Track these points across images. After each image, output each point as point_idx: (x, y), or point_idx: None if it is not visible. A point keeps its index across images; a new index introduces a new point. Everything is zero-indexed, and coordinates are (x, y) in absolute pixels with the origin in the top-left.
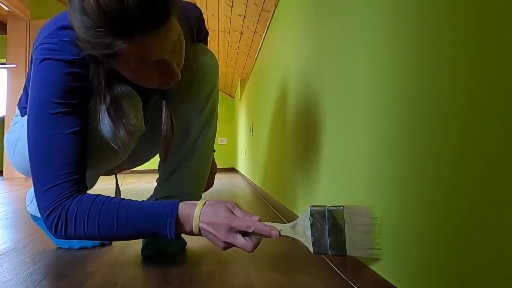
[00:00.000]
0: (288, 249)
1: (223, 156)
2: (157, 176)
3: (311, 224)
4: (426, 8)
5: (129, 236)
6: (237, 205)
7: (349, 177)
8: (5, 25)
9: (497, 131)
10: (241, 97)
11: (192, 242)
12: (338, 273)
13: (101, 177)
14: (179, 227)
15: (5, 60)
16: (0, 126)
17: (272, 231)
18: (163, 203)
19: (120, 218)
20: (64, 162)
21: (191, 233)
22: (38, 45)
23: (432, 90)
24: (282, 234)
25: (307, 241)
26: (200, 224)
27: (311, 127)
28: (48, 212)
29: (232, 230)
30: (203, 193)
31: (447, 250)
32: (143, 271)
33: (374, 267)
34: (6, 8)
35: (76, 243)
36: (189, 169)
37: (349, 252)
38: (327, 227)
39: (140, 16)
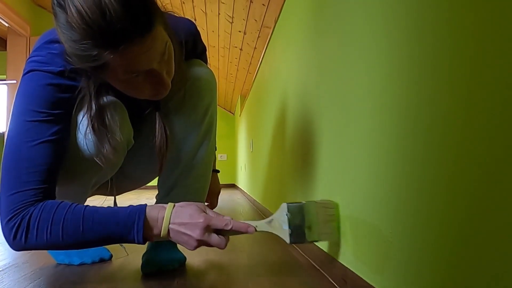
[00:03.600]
0: (288, 263)
1: (223, 172)
2: (156, 192)
3: (288, 219)
4: (425, 24)
5: (95, 242)
6: (206, 206)
7: (349, 192)
8: (5, 41)
9: (496, 148)
10: (241, 113)
11: (192, 258)
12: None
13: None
14: (147, 230)
15: (5, 76)
16: (0, 142)
17: (248, 228)
18: (130, 207)
19: (86, 222)
20: (32, 170)
21: (158, 236)
22: (27, 59)
23: (432, 105)
24: (258, 230)
25: (284, 234)
26: (171, 225)
27: (310, 143)
28: (8, 218)
29: (209, 228)
30: None
31: (446, 259)
32: (143, 286)
33: (371, 277)
34: (6, 24)
35: (76, 259)
36: (188, 186)
37: (319, 238)
38: (304, 219)
39: (123, 26)
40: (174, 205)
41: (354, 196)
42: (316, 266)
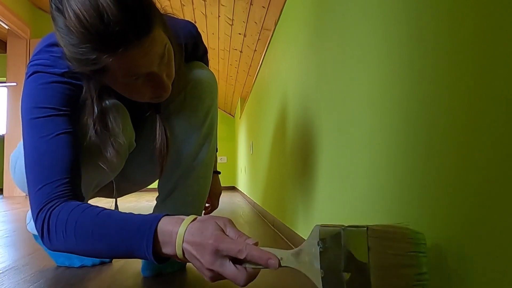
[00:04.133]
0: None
1: (223, 174)
2: (157, 194)
3: (320, 252)
4: (425, 25)
5: (106, 252)
6: (231, 222)
7: (349, 195)
8: (5, 43)
9: (498, 150)
10: (241, 115)
11: None
12: None
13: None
14: (158, 246)
15: (5, 78)
16: (0, 145)
17: (269, 260)
18: (145, 216)
19: (98, 227)
20: (54, 161)
21: (174, 256)
22: (29, 63)
23: (432, 108)
24: (282, 265)
25: (315, 275)
26: (184, 244)
27: (310, 145)
28: (36, 216)
29: (219, 253)
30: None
31: (448, 261)
32: None
33: None
34: (6, 27)
35: (76, 261)
36: (188, 188)
37: None
38: (343, 256)
39: (121, 29)
40: (194, 218)
41: (355, 199)
42: None
